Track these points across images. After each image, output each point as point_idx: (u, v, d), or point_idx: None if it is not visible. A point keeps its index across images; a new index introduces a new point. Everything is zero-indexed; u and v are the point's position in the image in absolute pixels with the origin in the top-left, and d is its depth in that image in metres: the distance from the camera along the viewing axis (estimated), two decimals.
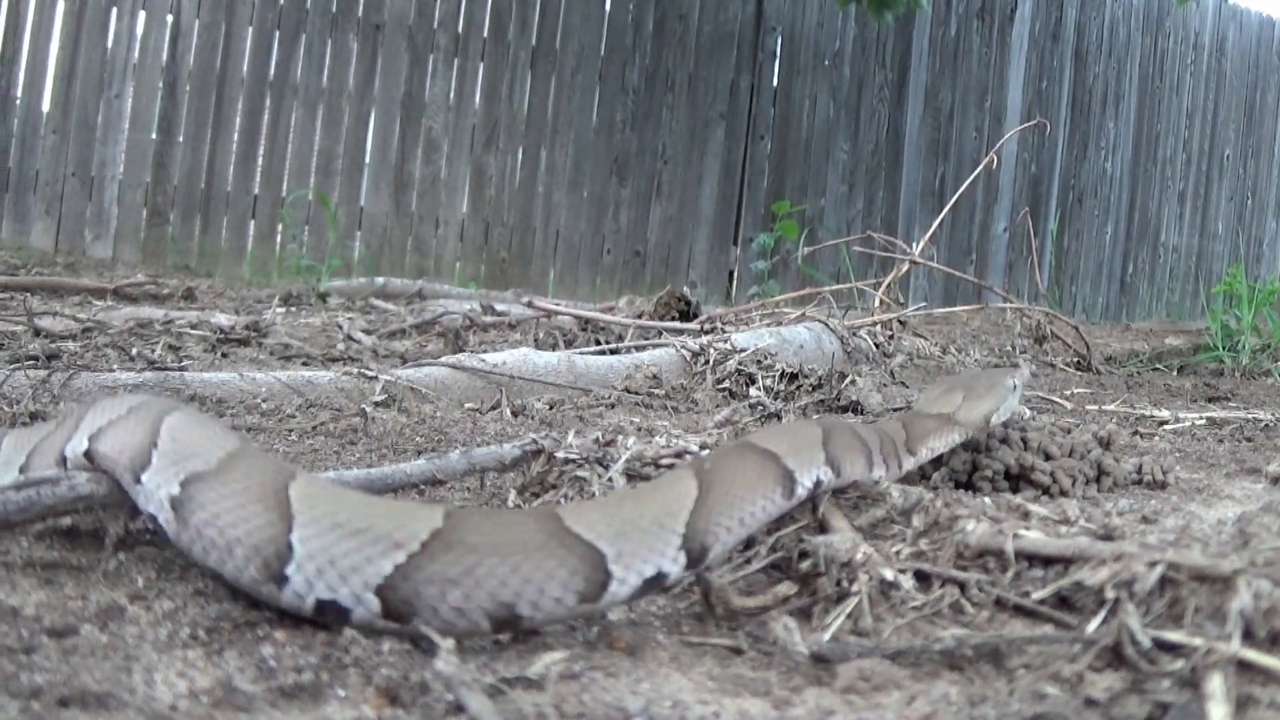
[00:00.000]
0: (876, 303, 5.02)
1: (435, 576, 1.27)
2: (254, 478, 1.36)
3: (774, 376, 3.50)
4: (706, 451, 1.92)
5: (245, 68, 8.63)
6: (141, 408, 1.55)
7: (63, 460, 1.62)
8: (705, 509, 1.43)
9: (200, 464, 1.40)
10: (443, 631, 1.26)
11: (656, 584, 1.38)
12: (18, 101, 8.20)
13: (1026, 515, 1.70)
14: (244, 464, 1.38)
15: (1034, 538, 1.53)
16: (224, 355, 3.89)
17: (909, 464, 1.87)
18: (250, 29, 8.62)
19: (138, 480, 1.46)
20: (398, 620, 1.28)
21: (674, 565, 1.39)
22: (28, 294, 4.98)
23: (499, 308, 5.65)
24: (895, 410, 3.11)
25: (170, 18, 8.45)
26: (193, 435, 1.45)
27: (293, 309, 5.78)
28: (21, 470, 1.67)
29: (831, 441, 1.67)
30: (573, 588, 1.31)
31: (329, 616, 1.30)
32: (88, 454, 1.56)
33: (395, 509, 1.36)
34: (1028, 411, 2.60)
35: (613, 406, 3.15)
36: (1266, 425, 3.23)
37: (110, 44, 8.33)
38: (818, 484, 1.64)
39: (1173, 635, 1.26)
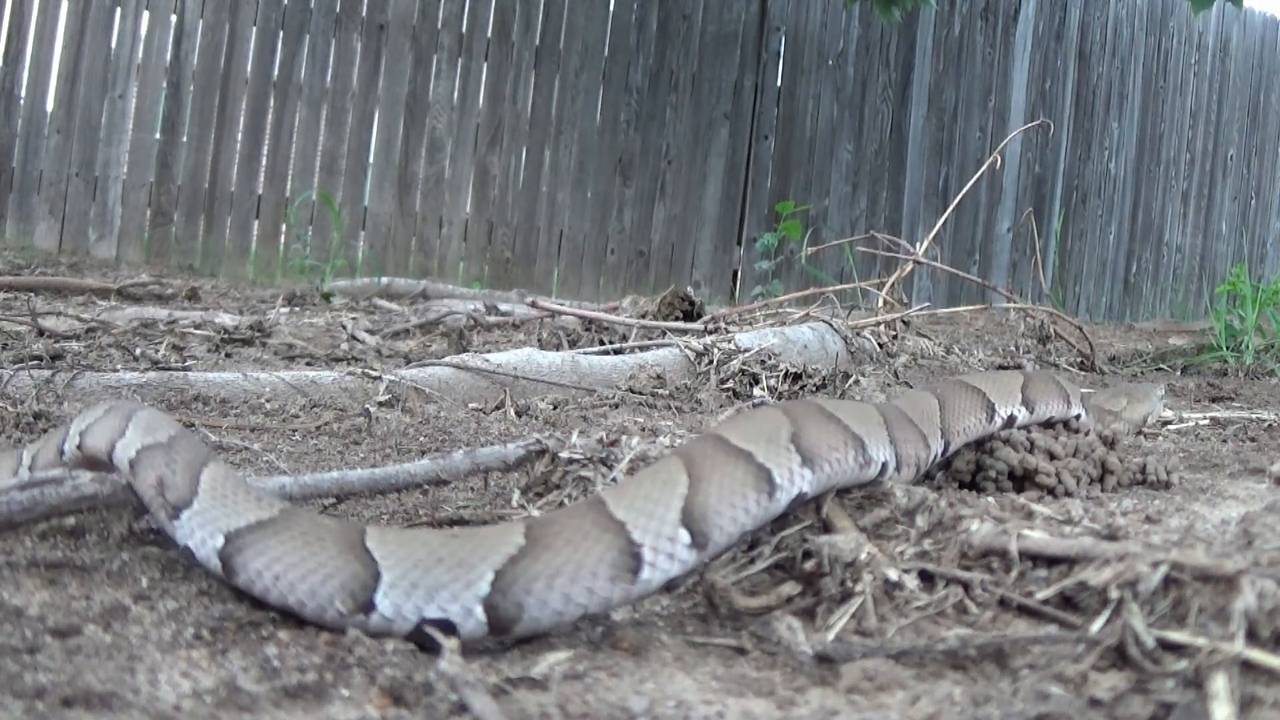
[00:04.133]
0: (880, 303, 5.02)
1: None
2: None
3: (778, 376, 3.49)
4: None
5: (249, 68, 8.64)
6: (293, 520, 1.40)
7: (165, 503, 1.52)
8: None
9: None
10: None
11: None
12: (21, 101, 8.21)
13: (1030, 515, 1.70)
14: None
15: (1038, 538, 1.53)
16: (228, 355, 3.89)
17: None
18: (254, 29, 8.62)
19: (370, 609, 1.32)
20: None
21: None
22: (32, 294, 4.99)
23: (503, 308, 5.65)
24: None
25: (174, 17, 8.45)
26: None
27: (297, 309, 5.78)
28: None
29: (1030, 385, 2.21)
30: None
31: None
32: (222, 556, 1.42)
33: None
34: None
35: (617, 406, 3.15)
36: (1270, 425, 3.22)
37: (114, 44, 8.34)
38: (1011, 419, 2.15)
39: (1176, 635, 1.26)
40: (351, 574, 1.32)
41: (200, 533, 1.43)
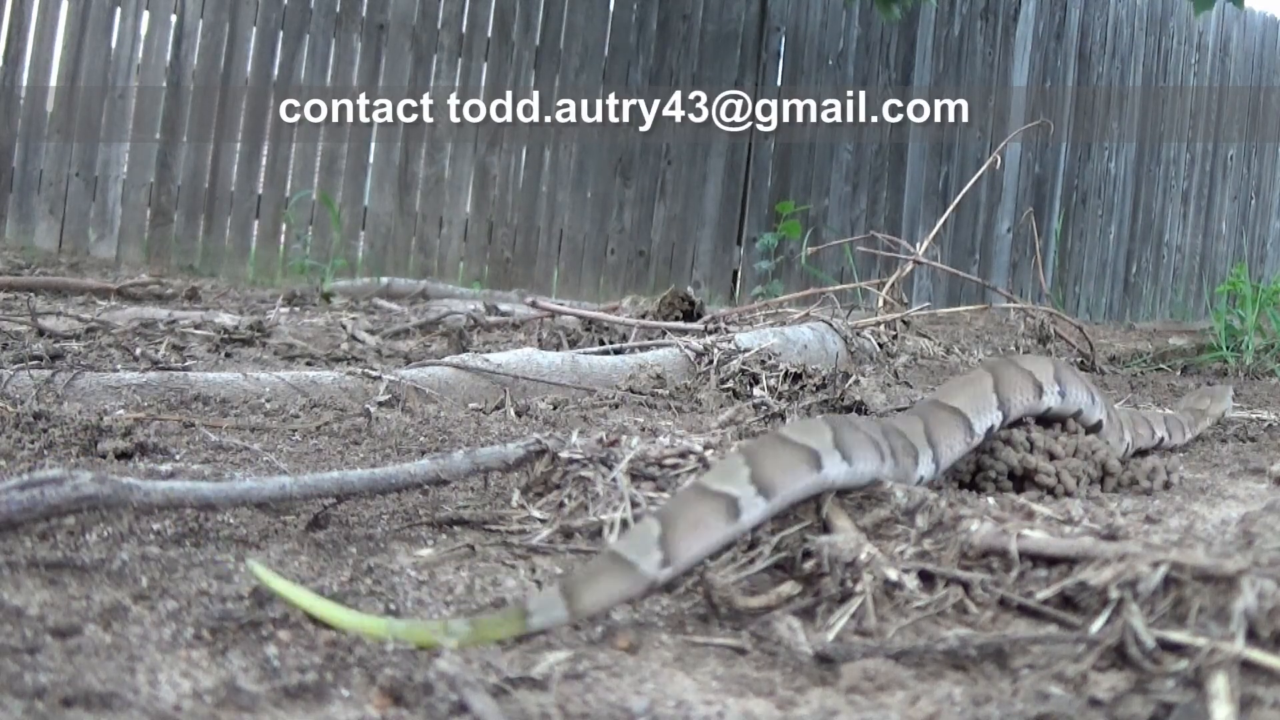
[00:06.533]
0: (880, 303, 5.02)
1: None
2: None
3: (778, 376, 3.49)
4: (710, 452, 1.92)
5: (249, 68, 8.64)
6: None
7: None
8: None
9: None
10: None
11: None
12: (21, 101, 8.21)
13: (1030, 515, 1.70)
14: None
15: (1038, 538, 1.53)
16: (228, 355, 3.89)
17: (1193, 434, 2.83)
18: (254, 29, 8.62)
19: None
20: None
21: None
22: (32, 294, 4.99)
23: (503, 308, 5.64)
24: (900, 409, 3.11)
25: (174, 17, 8.45)
26: None
27: (296, 309, 5.78)
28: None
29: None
30: None
31: None
32: None
33: None
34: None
35: (616, 406, 3.15)
36: (1270, 425, 3.22)
37: (114, 44, 8.34)
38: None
39: (1176, 635, 1.26)
40: None
41: None
